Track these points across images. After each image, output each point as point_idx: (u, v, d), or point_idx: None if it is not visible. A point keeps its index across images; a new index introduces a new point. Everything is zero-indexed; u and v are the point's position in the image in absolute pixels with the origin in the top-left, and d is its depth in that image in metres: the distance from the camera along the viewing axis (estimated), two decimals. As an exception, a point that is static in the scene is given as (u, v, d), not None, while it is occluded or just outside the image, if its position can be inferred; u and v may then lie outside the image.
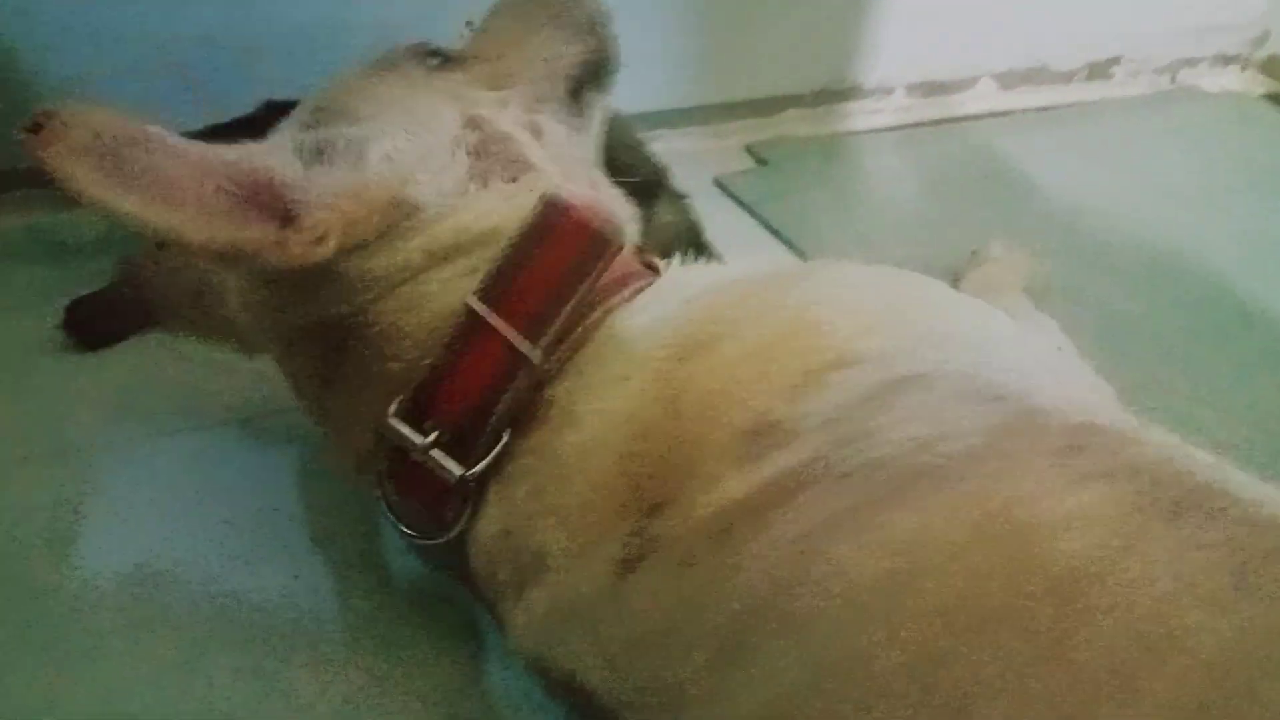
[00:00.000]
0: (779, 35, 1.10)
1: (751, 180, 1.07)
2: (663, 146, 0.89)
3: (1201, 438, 0.40)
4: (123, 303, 0.80)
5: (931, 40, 1.17)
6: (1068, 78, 1.29)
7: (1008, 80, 1.25)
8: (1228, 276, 0.95)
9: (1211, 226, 1.04)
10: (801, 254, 0.96)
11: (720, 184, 1.06)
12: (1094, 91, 1.31)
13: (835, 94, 1.17)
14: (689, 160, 0.99)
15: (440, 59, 0.58)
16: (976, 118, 1.24)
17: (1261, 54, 1.37)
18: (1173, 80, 1.36)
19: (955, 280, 0.87)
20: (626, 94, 0.94)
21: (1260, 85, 1.37)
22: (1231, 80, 1.38)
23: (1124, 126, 1.25)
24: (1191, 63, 1.36)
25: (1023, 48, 1.24)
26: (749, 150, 1.13)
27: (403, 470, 0.48)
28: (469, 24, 0.94)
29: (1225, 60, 1.37)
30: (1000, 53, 1.23)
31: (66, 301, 0.79)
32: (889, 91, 1.20)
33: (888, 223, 1.03)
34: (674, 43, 1.07)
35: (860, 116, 1.20)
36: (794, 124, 1.17)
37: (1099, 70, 1.30)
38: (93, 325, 0.79)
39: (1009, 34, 1.21)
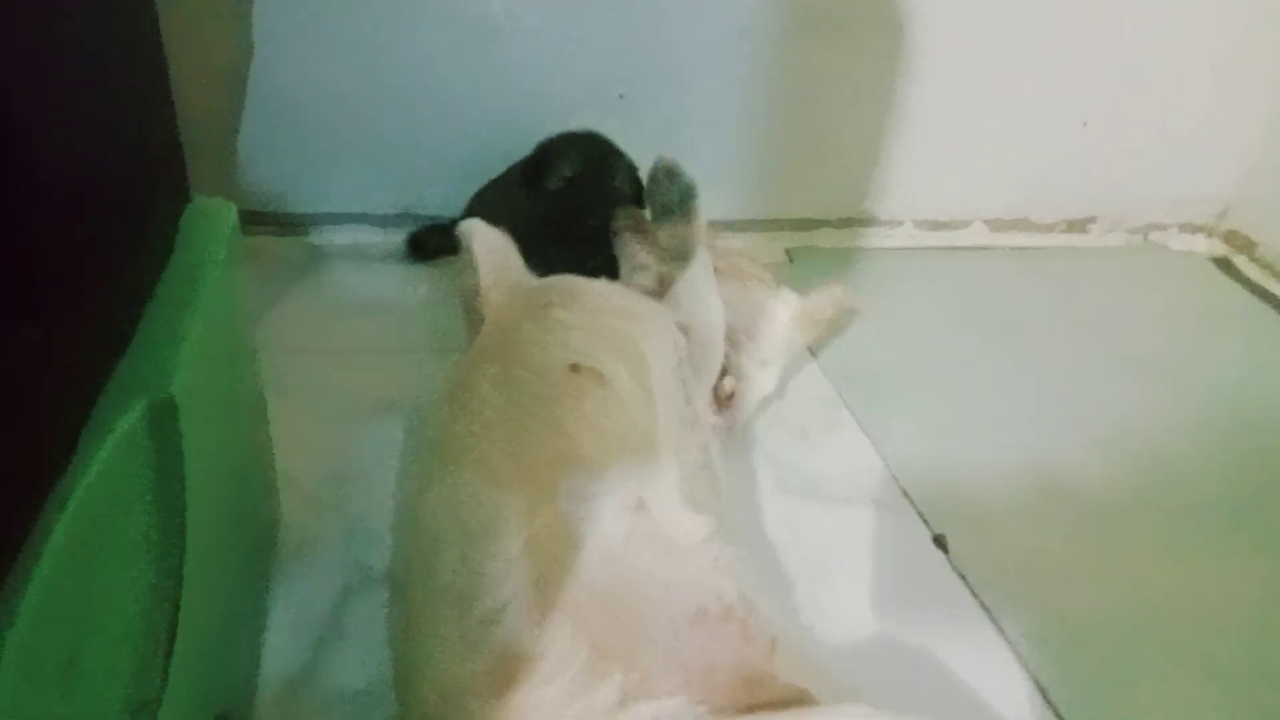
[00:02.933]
0: (816, 175, 1.52)
1: (778, 272, 1.46)
2: (724, 243, 1.31)
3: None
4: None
5: (934, 187, 1.57)
6: (1049, 228, 1.65)
7: (996, 225, 1.62)
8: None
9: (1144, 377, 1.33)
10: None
11: (758, 273, 1.47)
12: (1073, 240, 1.66)
13: (857, 220, 1.57)
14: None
15: None
16: (971, 250, 1.62)
17: (1224, 226, 1.70)
18: (1145, 239, 1.70)
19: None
20: (711, 204, 1.36)
21: (1221, 250, 1.69)
22: (1197, 244, 1.71)
23: (1094, 275, 1.59)
24: (1162, 227, 1.70)
25: (1009, 200, 1.61)
26: (786, 252, 1.54)
27: None
28: (621, 96, 1.41)
29: (1193, 229, 1.71)
30: (990, 202, 1.61)
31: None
32: (899, 223, 1.59)
33: (878, 319, 1.40)
34: (739, 173, 1.50)
35: (877, 239, 1.59)
36: (824, 238, 1.57)
37: (1076, 225, 1.66)
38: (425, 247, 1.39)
39: (998, 188, 1.59)
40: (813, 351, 1.27)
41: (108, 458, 0.49)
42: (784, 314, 1.12)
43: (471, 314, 1.01)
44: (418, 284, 1.36)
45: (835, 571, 0.94)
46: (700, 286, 1.02)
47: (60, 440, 0.49)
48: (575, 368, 0.80)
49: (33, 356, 0.47)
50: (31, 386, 0.47)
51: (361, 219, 1.44)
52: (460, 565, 0.66)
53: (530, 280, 1.00)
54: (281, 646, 0.80)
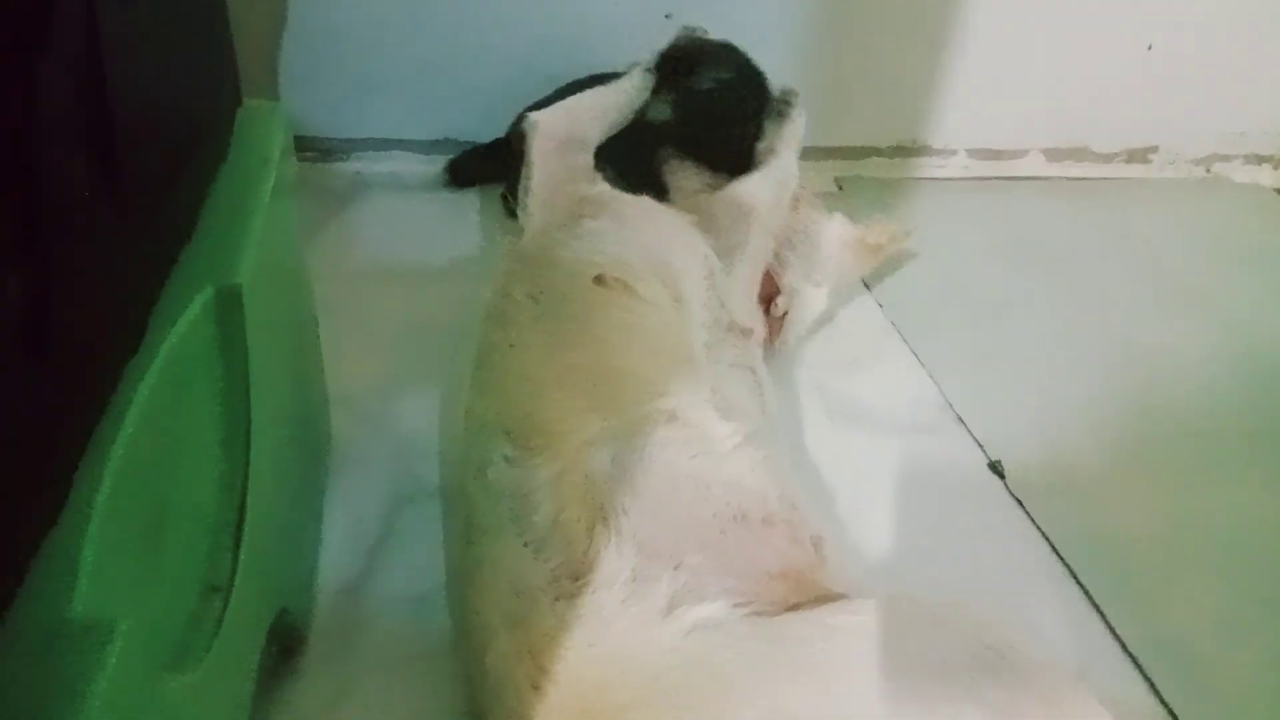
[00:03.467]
0: (868, 102, 1.48)
1: (827, 201, 1.42)
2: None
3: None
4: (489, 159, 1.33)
5: (990, 115, 1.52)
6: (1109, 158, 1.59)
7: (1054, 155, 1.57)
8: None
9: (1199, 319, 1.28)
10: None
11: (807, 200, 1.44)
12: (1132, 172, 1.61)
13: (909, 149, 1.53)
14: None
15: None
16: (1027, 180, 1.57)
17: (1291, 157, 1.64)
18: (1207, 170, 1.64)
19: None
20: None
21: (1286, 183, 1.63)
22: (1262, 175, 1.64)
23: (1151, 207, 1.54)
24: (1225, 158, 1.64)
25: (1068, 129, 1.56)
26: (836, 180, 1.51)
27: None
28: (668, 16, 1.37)
29: (1258, 159, 1.64)
30: (1048, 131, 1.55)
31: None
32: (953, 152, 1.54)
33: (931, 251, 1.36)
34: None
35: (929, 168, 1.55)
36: (875, 168, 1.53)
37: (1137, 155, 1.60)
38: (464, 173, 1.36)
39: (1057, 116, 1.54)
40: (866, 284, 1.24)
41: (178, 341, 0.49)
42: (834, 235, 1.10)
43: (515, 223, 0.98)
44: (458, 212, 1.35)
45: (890, 495, 0.93)
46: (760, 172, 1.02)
47: (133, 323, 0.49)
48: (600, 279, 0.78)
49: (107, 243, 0.47)
50: (106, 271, 0.47)
51: (402, 145, 1.42)
52: (510, 480, 0.66)
53: (589, 188, 0.98)
54: (337, 555, 0.80)
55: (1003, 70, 1.48)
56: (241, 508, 0.55)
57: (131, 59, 0.52)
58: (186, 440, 0.51)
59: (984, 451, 0.98)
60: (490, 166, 1.35)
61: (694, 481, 0.64)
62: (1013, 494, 0.93)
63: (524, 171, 0.96)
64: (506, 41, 1.36)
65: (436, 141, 1.43)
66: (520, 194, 0.95)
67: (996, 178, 1.56)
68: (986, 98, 1.50)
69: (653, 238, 0.87)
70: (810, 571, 0.63)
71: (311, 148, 1.40)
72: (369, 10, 1.32)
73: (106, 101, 0.48)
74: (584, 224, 0.87)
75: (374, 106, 1.40)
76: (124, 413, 0.43)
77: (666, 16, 1.36)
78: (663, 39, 1.28)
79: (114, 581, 0.41)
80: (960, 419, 1.02)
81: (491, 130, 1.40)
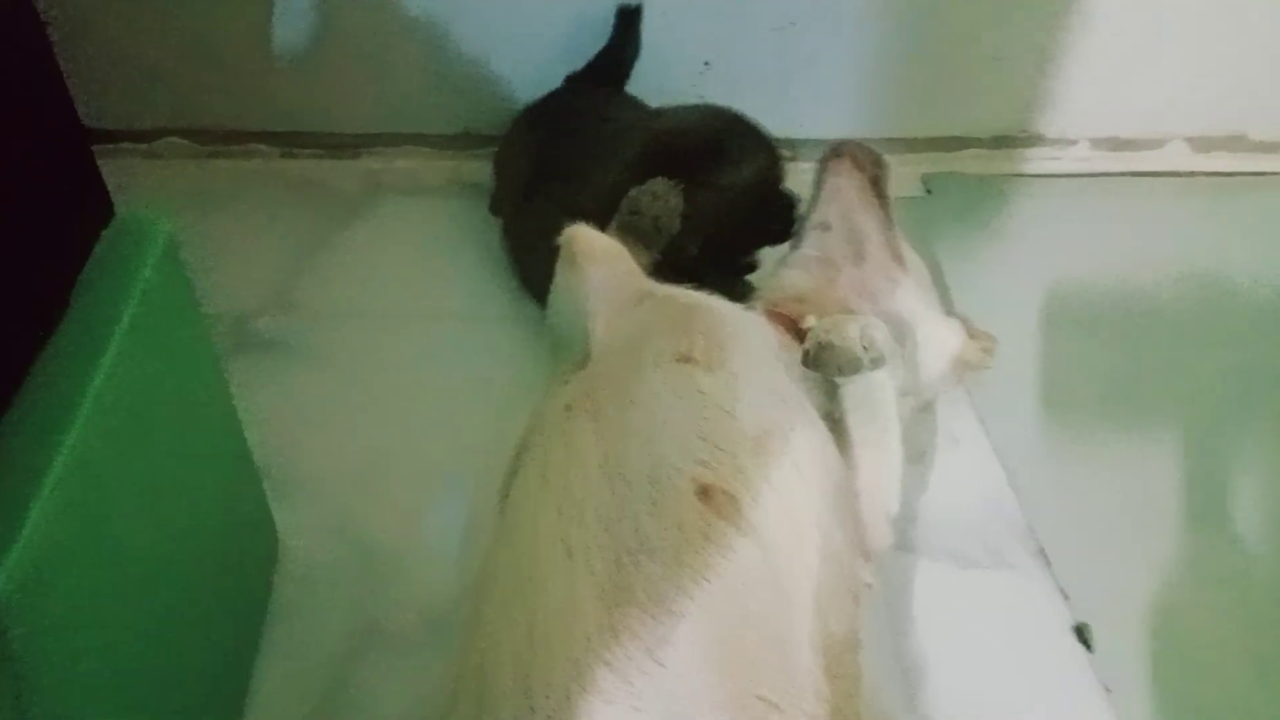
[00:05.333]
0: (964, 82, 1.22)
1: (913, 206, 1.20)
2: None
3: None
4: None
5: (1120, 97, 1.24)
6: (1271, 148, 1.29)
7: (1201, 145, 1.28)
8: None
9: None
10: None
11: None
12: (1302, 162, 1.30)
13: (1015, 139, 1.27)
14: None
15: None
16: (1165, 176, 1.29)
17: None
18: (1402, 160, 1.31)
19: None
20: (832, 120, 1.17)
21: None
22: None
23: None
24: None
25: (1219, 113, 1.26)
26: (923, 180, 1.26)
27: None
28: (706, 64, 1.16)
29: None
30: (1194, 116, 1.26)
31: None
32: (1072, 142, 1.27)
33: (1036, 274, 1.12)
34: (866, 80, 1.21)
35: (1039, 162, 1.28)
36: (971, 163, 1.28)
37: (1311, 143, 1.29)
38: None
39: (1206, 97, 1.25)
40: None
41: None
42: (947, 345, 0.87)
43: (568, 345, 0.74)
44: (474, 228, 1.17)
45: (946, 650, 0.75)
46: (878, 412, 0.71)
47: None
48: (706, 492, 0.55)
49: None
50: None
51: (418, 140, 1.26)
52: None
53: (651, 293, 0.75)
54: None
55: (1138, 42, 1.19)
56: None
57: None
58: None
59: (1069, 607, 0.79)
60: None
61: None
62: (1101, 682, 0.74)
63: (573, 289, 0.74)
64: (532, 26, 1.16)
65: (455, 136, 1.25)
66: (568, 318, 0.74)
67: (1126, 173, 1.28)
68: (1117, 75, 1.22)
69: (779, 422, 0.61)
70: None
71: (316, 143, 1.25)
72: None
73: None
74: (694, 377, 0.62)
75: (387, 96, 1.23)
76: None
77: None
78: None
79: None
80: (1042, 552, 0.82)
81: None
